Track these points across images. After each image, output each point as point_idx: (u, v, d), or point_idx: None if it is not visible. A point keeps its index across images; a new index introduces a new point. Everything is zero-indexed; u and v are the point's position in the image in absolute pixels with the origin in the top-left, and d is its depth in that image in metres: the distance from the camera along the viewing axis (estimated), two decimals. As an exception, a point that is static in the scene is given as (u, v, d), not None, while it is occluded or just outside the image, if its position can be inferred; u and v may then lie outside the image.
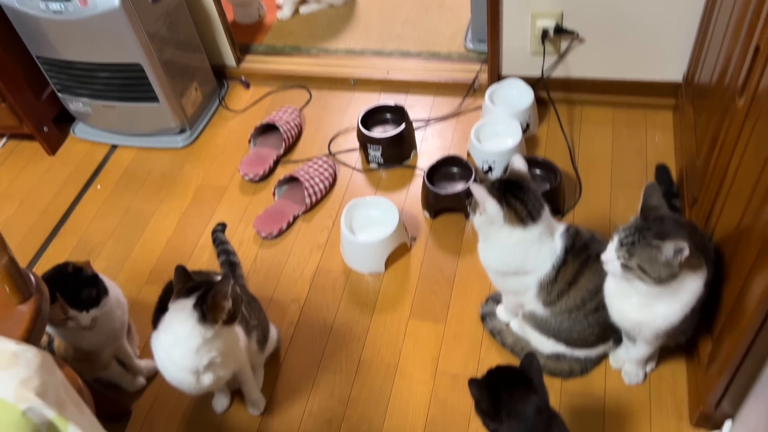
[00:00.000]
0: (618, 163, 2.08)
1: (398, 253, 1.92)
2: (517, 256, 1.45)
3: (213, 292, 1.30)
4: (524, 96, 2.17)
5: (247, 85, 2.63)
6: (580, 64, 2.21)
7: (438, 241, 1.96)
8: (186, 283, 1.35)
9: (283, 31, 2.84)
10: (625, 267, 1.26)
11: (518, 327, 1.68)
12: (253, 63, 2.67)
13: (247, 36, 2.82)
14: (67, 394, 0.98)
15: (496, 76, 2.29)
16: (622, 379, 1.59)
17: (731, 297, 1.32)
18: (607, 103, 2.26)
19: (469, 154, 2.12)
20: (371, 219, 1.96)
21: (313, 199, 2.10)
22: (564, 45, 2.17)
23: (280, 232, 2.05)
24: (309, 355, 1.74)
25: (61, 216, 2.25)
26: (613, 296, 1.40)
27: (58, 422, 0.94)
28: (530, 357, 1.18)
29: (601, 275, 1.44)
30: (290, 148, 2.34)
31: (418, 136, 2.28)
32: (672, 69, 2.11)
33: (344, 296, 1.86)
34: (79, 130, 2.53)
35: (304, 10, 2.95)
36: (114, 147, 2.48)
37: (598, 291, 1.45)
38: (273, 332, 1.72)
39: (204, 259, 2.03)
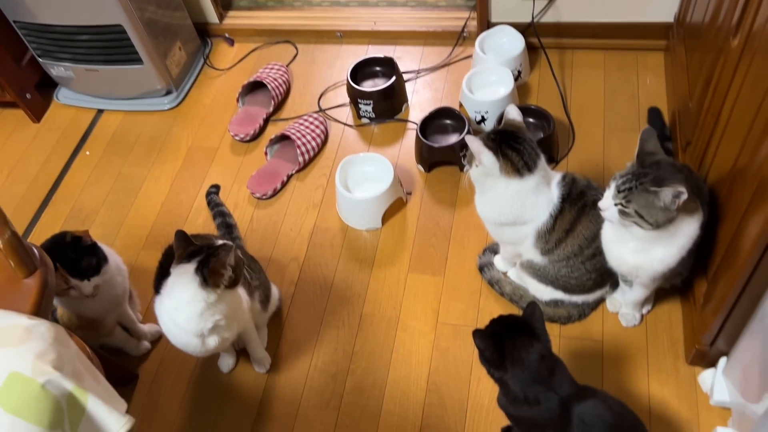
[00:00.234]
0: (610, 108, 2.08)
1: (394, 208, 1.92)
2: (514, 206, 1.46)
3: (214, 260, 1.30)
4: (515, 43, 2.14)
5: (231, 42, 2.58)
6: (570, 9, 2.17)
7: (433, 195, 1.96)
8: (187, 248, 1.35)
9: (264, -15, 2.77)
10: (623, 213, 1.27)
11: (516, 276, 1.71)
12: (236, 19, 2.60)
13: (228, -9, 2.74)
14: (83, 364, 0.99)
15: (485, 23, 2.26)
16: (619, 321, 1.62)
17: (726, 237, 1.34)
18: (597, 47, 2.23)
19: (461, 105, 2.11)
20: (366, 175, 1.96)
21: (306, 157, 2.09)
22: (554, -11, 2.13)
23: (275, 192, 2.05)
24: (311, 312, 1.76)
25: (52, 184, 2.22)
26: (611, 242, 1.42)
27: (78, 393, 0.95)
28: (532, 306, 1.20)
29: (598, 222, 1.45)
30: (279, 105, 2.31)
31: (409, 88, 2.26)
32: (663, 10, 2.09)
33: (343, 253, 1.87)
34: (62, 95, 2.48)
35: (285, -39, 2.86)
36: (100, 111, 2.43)
37: (595, 238, 1.46)
38: (274, 291, 1.73)
39: (200, 222, 2.02)
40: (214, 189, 2.06)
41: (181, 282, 1.32)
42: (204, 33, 2.58)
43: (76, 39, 2.20)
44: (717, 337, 1.42)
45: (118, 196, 2.14)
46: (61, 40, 2.22)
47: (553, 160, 1.95)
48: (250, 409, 1.61)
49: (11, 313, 1.01)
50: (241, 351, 1.70)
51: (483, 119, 2.03)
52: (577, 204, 1.46)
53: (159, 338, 1.77)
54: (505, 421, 1.46)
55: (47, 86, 2.49)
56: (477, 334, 1.19)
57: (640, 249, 1.35)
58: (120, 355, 1.73)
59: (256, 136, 2.23)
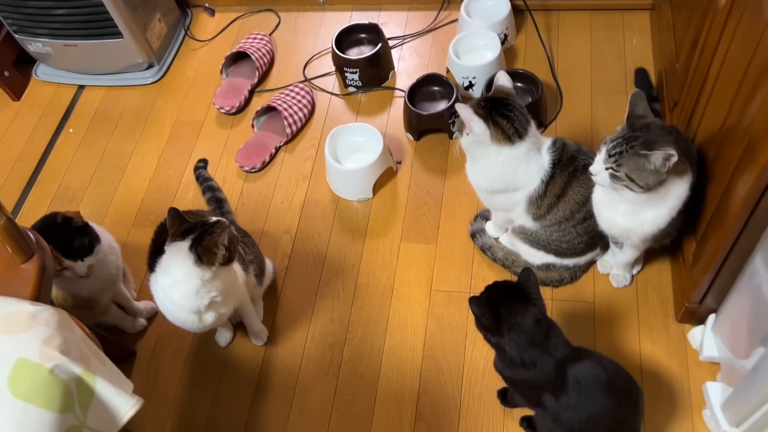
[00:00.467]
0: (597, 70, 2.07)
1: (385, 177, 1.92)
2: (505, 173, 1.46)
3: (208, 238, 1.30)
4: (500, 6, 2.12)
5: (211, 12, 2.52)
6: (555, -31, 2.15)
7: (423, 163, 1.96)
8: (180, 225, 1.34)
9: (243, -49, 2.70)
10: (614, 177, 1.28)
11: (508, 241, 1.72)
12: (216, -12, 2.55)
13: (205, -41, 2.67)
14: (88, 348, 1.00)
15: (470, -14, 2.22)
16: (610, 283, 1.65)
17: (715, 197, 1.35)
18: (583, 7, 2.21)
19: (448, 71, 2.09)
20: (355, 146, 1.95)
21: (294, 128, 2.07)
22: (538, -51, 2.10)
23: (264, 165, 2.03)
24: (306, 283, 1.77)
25: (36, 163, 2.19)
26: (601, 206, 1.43)
27: (86, 376, 0.95)
28: (527, 271, 1.22)
29: (589, 186, 1.46)
30: (264, 76, 2.28)
31: (395, 55, 2.23)
32: (649, -32, 2.07)
33: (335, 224, 1.88)
34: (41, 72, 2.43)
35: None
36: (81, 87, 2.39)
37: (586, 202, 1.48)
38: (269, 264, 1.73)
39: (189, 198, 2.01)
40: (202, 163, 2.05)
41: (176, 260, 1.32)
42: (183, 3, 2.53)
43: (53, 13, 2.14)
44: (706, 295, 1.45)
45: (105, 173, 2.12)
46: (38, 15, 2.16)
47: (541, 125, 1.95)
48: (250, 381, 1.63)
49: (13, 300, 1.01)
50: (237, 324, 1.71)
51: (471, 85, 2.02)
52: (568, 169, 1.47)
53: (154, 315, 1.77)
54: (501, 384, 1.50)
55: (25, 63, 2.43)
56: (473, 301, 1.20)
57: (630, 212, 1.37)
58: (116, 333, 1.74)
59: (241, 109, 2.20)
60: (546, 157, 1.47)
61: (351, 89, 2.18)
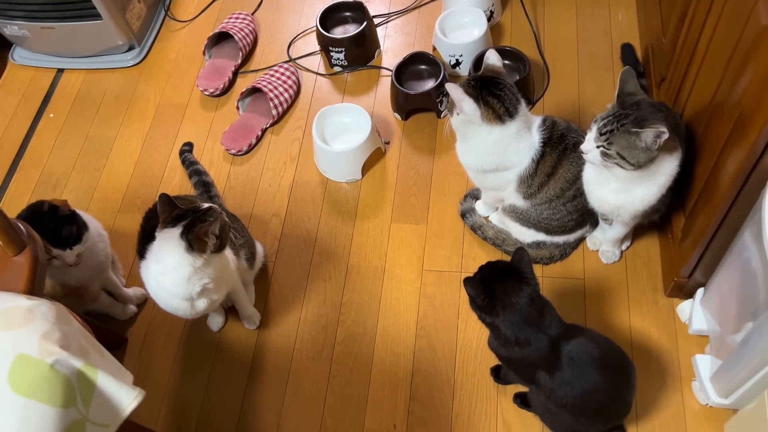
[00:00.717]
0: (583, 46, 2.06)
1: (373, 158, 1.91)
2: (496, 153, 1.46)
3: (199, 225, 1.28)
4: (486, -18, 2.09)
5: (192, -8, 2.47)
6: (540, -57, 2.13)
7: (412, 143, 1.95)
8: (171, 212, 1.33)
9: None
10: (605, 155, 1.29)
11: (498, 220, 1.73)
12: (196, -34, 2.49)
13: (184, -64, 2.61)
14: (87, 341, 0.99)
15: (455, -38, 2.20)
16: (600, 259, 1.67)
17: (704, 173, 1.36)
18: (569, -18, 2.20)
19: (434, 49, 2.07)
20: (343, 126, 1.93)
21: (279, 109, 2.04)
22: (524, -77, 2.08)
23: (250, 148, 2.01)
24: (297, 266, 1.77)
25: (17, 150, 2.14)
26: (592, 183, 1.44)
27: (87, 370, 0.95)
28: (520, 251, 1.22)
29: (579, 164, 1.47)
30: (248, 57, 2.25)
31: (380, 33, 2.21)
32: (634, -59, 2.06)
33: (324, 206, 1.87)
34: (18, 55, 2.37)
35: None
36: (60, 71, 2.33)
37: (576, 180, 1.48)
38: (259, 248, 1.72)
39: (175, 182, 1.99)
40: (187, 147, 2.02)
41: (167, 247, 1.31)
42: (162, -18, 2.47)
43: (28, -5, 2.09)
44: (695, 270, 1.47)
45: (88, 158, 2.09)
46: (12, -3, 2.10)
47: (529, 102, 1.94)
48: (244, 365, 1.63)
49: (9, 295, 0.99)
50: (230, 309, 1.70)
51: (458, 63, 2.01)
52: (558, 147, 1.47)
53: (145, 301, 1.76)
54: (494, 361, 1.52)
55: (1, 47, 2.37)
56: (467, 282, 1.21)
57: (621, 189, 1.38)
58: (107, 320, 1.72)
59: (225, 90, 2.17)
60: (536, 136, 1.47)
61: (337, 69, 2.15)
